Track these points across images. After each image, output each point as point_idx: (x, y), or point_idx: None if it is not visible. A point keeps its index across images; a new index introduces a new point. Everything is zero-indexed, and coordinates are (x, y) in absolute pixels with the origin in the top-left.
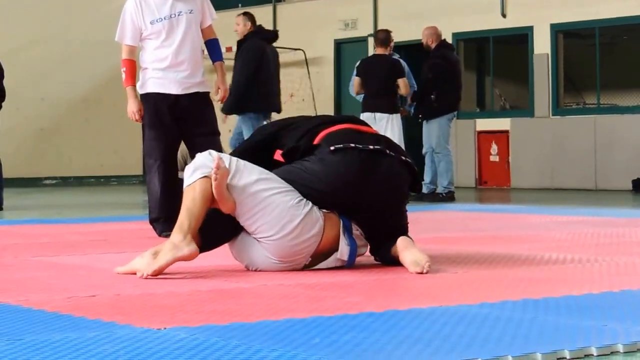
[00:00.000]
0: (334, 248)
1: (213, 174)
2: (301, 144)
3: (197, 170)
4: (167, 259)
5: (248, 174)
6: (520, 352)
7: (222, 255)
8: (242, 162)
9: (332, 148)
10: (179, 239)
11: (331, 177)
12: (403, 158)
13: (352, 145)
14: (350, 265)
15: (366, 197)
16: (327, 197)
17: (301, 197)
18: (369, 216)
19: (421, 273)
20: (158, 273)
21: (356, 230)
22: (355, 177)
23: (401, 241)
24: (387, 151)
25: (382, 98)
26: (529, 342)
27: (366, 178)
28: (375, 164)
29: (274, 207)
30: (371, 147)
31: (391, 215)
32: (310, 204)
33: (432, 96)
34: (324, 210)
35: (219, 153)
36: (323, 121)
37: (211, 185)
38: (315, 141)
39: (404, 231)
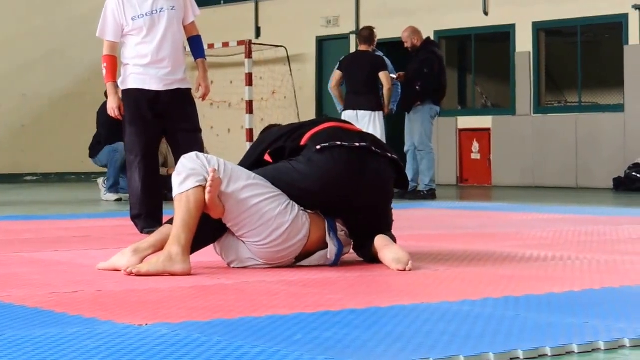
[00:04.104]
0: (319, 248)
1: (208, 186)
2: (287, 145)
3: (190, 178)
4: (158, 268)
5: (235, 179)
6: (501, 349)
7: (204, 251)
8: (229, 165)
9: (318, 147)
10: (176, 252)
11: (319, 176)
12: (389, 155)
13: (339, 143)
14: (334, 264)
15: (354, 196)
16: (315, 196)
17: (288, 201)
18: (355, 214)
19: (403, 270)
20: (143, 275)
21: (341, 231)
22: (343, 175)
23: (379, 239)
24: (373, 148)
25: (364, 95)
26: (510, 339)
27: (354, 176)
28: (362, 162)
29: (261, 215)
30: (357, 144)
31: (377, 213)
32: (297, 208)
33: (417, 87)
34: (309, 211)
35: (208, 156)
36: (308, 123)
37: (204, 195)
38: (302, 142)
39: (388, 229)
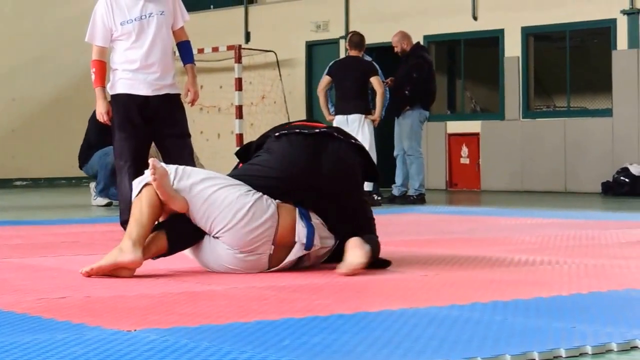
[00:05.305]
0: (294, 241)
1: (150, 174)
2: (252, 143)
3: (141, 182)
4: (109, 261)
5: (194, 175)
6: (489, 353)
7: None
8: (188, 168)
9: (276, 134)
10: (127, 245)
11: (279, 162)
12: (353, 141)
13: (297, 130)
14: (309, 248)
15: (318, 179)
16: (281, 184)
17: (249, 188)
18: (325, 202)
19: (349, 275)
20: (96, 272)
21: (316, 219)
22: (300, 158)
23: (351, 241)
24: (335, 134)
25: (355, 100)
26: (498, 343)
27: (311, 157)
28: (322, 145)
29: (222, 199)
30: (317, 130)
31: (348, 201)
32: (260, 193)
33: (407, 92)
34: (278, 201)
35: (169, 166)
36: (277, 126)
37: (154, 192)
38: None
39: (368, 226)
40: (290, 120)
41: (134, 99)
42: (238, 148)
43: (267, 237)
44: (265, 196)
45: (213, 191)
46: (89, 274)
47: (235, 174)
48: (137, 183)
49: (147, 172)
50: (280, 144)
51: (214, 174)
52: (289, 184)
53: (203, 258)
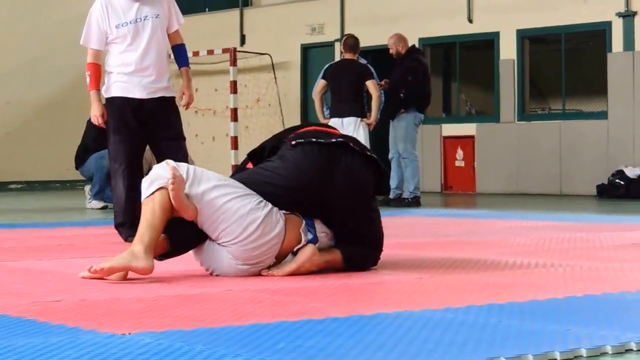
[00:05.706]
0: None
1: (170, 183)
2: (267, 145)
3: (155, 182)
4: (121, 263)
5: (205, 180)
6: (484, 356)
7: (188, 260)
8: (198, 169)
9: (293, 143)
10: (139, 250)
11: (291, 171)
12: (368, 153)
13: (314, 139)
14: None
15: (329, 191)
16: (290, 192)
17: (260, 199)
18: (335, 214)
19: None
20: (106, 272)
21: (322, 231)
22: (311, 168)
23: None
24: (351, 144)
25: (350, 103)
26: (493, 346)
27: (327, 170)
28: (337, 156)
29: (234, 211)
30: (333, 140)
31: (357, 214)
32: (270, 205)
33: (402, 94)
34: (285, 212)
35: (175, 162)
36: (292, 127)
37: (169, 196)
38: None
39: (376, 244)
40: (307, 122)
41: (129, 102)
42: (252, 149)
43: (273, 252)
44: (275, 209)
45: (225, 201)
46: (96, 273)
47: (243, 178)
48: (149, 183)
49: (160, 171)
50: (295, 153)
51: (225, 180)
52: (299, 192)
53: (202, 256)
